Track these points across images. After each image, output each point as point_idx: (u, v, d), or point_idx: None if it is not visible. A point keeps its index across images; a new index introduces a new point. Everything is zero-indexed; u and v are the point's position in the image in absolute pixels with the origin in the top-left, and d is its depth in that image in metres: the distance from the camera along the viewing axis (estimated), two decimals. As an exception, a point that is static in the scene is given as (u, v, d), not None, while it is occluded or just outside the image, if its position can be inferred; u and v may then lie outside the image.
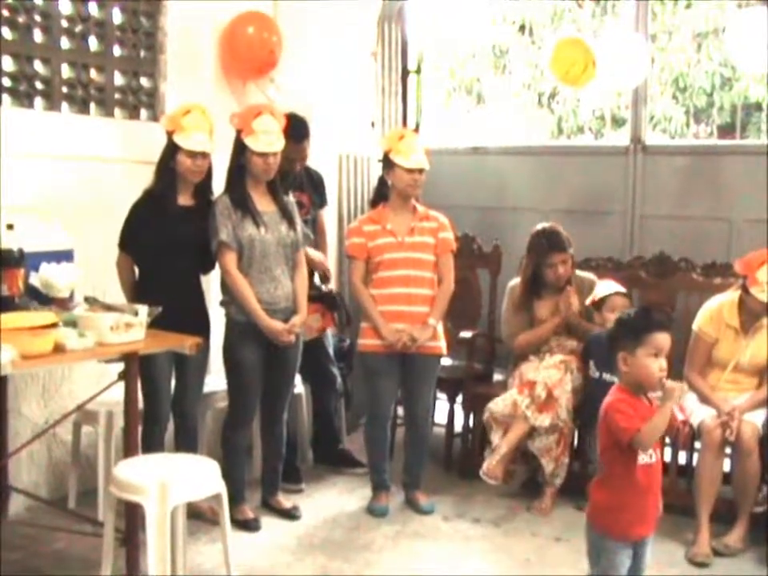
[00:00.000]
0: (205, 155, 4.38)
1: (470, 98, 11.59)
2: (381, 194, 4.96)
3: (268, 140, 4.41)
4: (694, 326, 4.80)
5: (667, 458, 4.71)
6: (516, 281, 5.30)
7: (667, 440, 4.74)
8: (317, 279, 5.23)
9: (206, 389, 4.77)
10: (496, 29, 10.88)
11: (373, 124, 6.58)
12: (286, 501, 4.87)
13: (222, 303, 4.58)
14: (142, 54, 5.33)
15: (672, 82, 11.12)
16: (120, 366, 3.86)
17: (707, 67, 10.79)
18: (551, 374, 4.92)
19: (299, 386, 5.22)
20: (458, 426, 5.58)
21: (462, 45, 10.74)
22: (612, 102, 9.64)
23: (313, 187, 5.41)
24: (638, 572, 3.28)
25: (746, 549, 4.50)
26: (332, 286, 5.46)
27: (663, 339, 3.14)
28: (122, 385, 3.85)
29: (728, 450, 4.59)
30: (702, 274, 5.35)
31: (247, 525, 4.61)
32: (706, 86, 10.84)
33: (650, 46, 6.16)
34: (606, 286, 5.03)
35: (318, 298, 5.12)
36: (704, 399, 4.70)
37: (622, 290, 5.00)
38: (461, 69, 11.34)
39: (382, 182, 4.97)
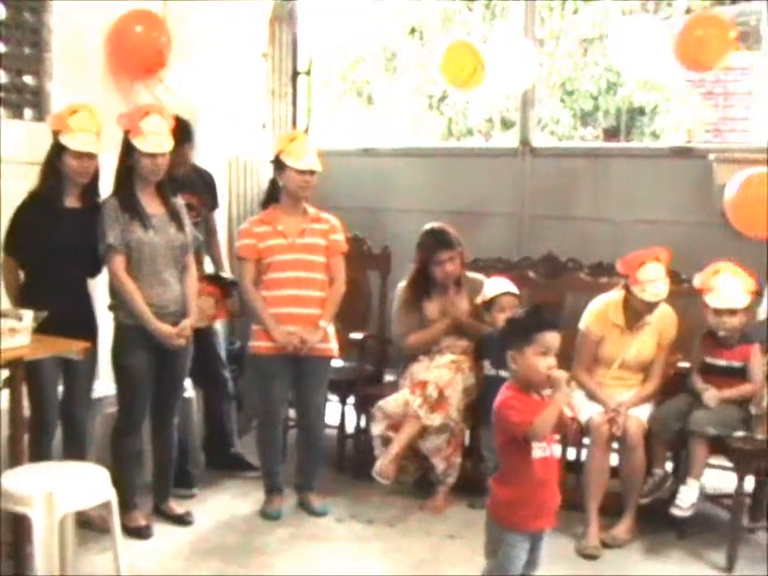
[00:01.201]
0: (92, 156, 4.29)
1: (361, 100, 11.63)
2: (272, 196, 4.95)
3: (156, 141, 4.34)
4: (581, 325, 4.91)
5: (557, 454, 4.81)
6: (406, 281, 5.32)
7: (557, 437, 4.86)
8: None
9: (95, 394, 4.66)
10: (387, 31, 10.94)
11: (264, 125, 6.54)
12: (178, 506, 4.80)
13: (110, 307, 4.50)
14: (27, 51, 5.18)
15: (560, 86, 11.34)
16: (4, 373, 3.76)
17: (593, 72, 11.05)
18: (442, 373, 4.96)
19: (189, 390, 5.15)
20: (350, 427, 5.59)
21: (353, 47, 10.78)
22: (501, 104, 9.79)
23: (204, 189, 5.36)
24: (533, 566, 3.36)
25: (633, 540, 4.63)
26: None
27: (552, 338, 3.21)
28: (6, 392, 3.75)
29: (615, 445, 4.70)
30: (589, 273, 5.47)
31: (139, 532, 4.53)
32: (592, 90, 11.09)
33: (538, 51, 6.26)
34: (495, 286, 5.09)
35: (214, 278, 5.09)
36: (591, 396, 4.81)
37: (512, 289, 5.07)
38: (351, 71, 11.38)
39: (273, 183, 4.96)
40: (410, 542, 4.58)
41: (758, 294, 4.84)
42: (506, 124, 10.21)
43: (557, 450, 3.34)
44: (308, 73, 7.00)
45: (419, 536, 4.67)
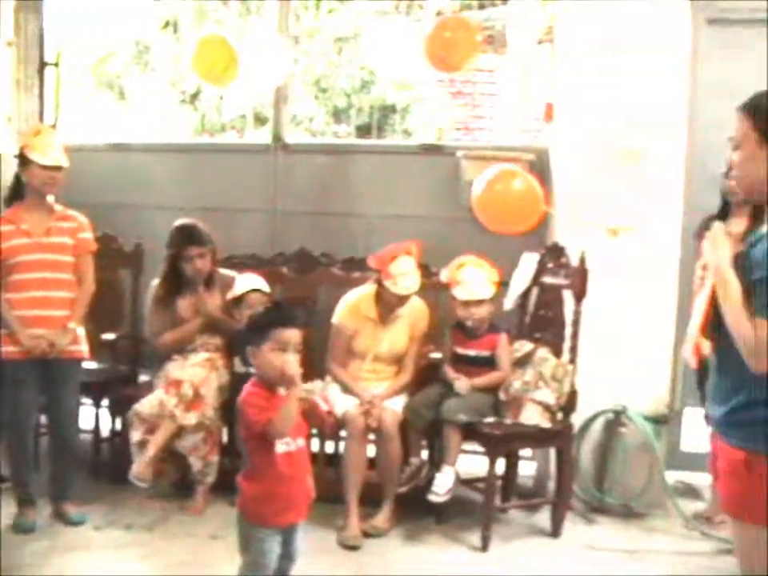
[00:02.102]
0: None
1: (113, 94, 11.32)
2: (16, 193, 4.73)
3: None
4: (334, 319, 4.98)
5: (315, 448, 4.85)
6: (158, 279, 5.23)
7: (314, 431, 4.90)
8: None
9: None
10: (139, 24, 10.70)
11: (9, 119, 6.25)
12: None
13: None
14: None
15: (314, 83, 11.42)
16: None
17: (348, 70, 11.19)
18: (197, 372, 4.91)
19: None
20: (105, 431, 5.43)
21: (104, 39, 10.47)
22: (255, 101, 9.75)
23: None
24: (289, 560, 3.37)
25: (393, 527, 4.74)
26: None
27: (290, 334, 3.20)
28: None
29: (371, 437, 4.78)
30: (342, 268, 5.55)
31: None
32: (346, 88, 11.24)
33: (292, 48, 6.27)
34: (245, 283, 5.08)
35: None
36: (346, 389, 4.88)
37: (261, 286, 5.07)
38: (103, 64, 11.05)
39: (17, 180, 4.73)
40: (171, 545, 4.50)
41: (502, 285, 5.06)
42: (260, 120, 10.19)
43: (303, 443, 3.35)
44: (56, 65, 6.70)
45: (180, 538, 4.60)
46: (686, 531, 4.88)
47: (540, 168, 5.59)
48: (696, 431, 5.08)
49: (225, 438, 5.10)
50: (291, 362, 3.16)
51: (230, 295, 5.07)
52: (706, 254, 2.67)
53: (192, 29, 10.44)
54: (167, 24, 11.07)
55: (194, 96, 11.09)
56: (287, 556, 3.35)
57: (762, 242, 2.56)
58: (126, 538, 4.59)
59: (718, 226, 2.71)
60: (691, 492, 5.23)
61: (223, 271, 5.30)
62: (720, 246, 2.63)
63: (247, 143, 7.18)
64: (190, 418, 4.79)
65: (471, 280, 4.80)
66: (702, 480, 5.15)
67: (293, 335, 3.21)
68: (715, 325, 2.64)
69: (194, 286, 5.15)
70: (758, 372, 2.50)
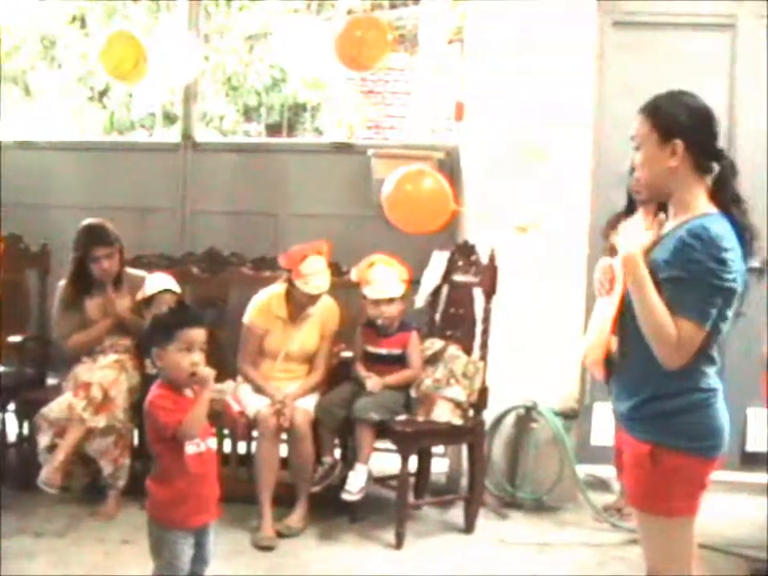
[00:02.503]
0: None
1: (18, 90, 11.09)
2: None
3: None
4: (245, 319, 4.94)
5: (227, 448, 4.82)
6: (66, 280, 5.14)
7: (226, 431, 4.88)
8: None
9: None
10: (46, 19, 10.51)
11: None
12: None
13: None
14: None
15: (225, 81, 11.36)
16: None
17: (259, 68, 11.15)
18: (106, 374, 4.83)
19: None
20: (13, 436, 5.31)
21: (9, 33, 10.25)
22: (165, 98, 9.66)
23: None
24: (203, 562, 3.34)
25: (307, 527, 4.72)
26: None
27: (196, 334, 3.19)
28: None
29: (284, 436, 4.76)
30: (252, 267, 5.51)
31: None
32: (257, 86, 11.20)
33: (202, 45, 6.21)
34: (155, 283, 5.02)
35: None
36: (258, 389, 4.86)
37: (171, 286, 5.01)
38: (7, 59, 10.81)
39: None
40: (82, 552, 4.41)
41: (413, 284, 5.09)
42: (170, 119, 10.09)
43: (213, 443, 3.33)
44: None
45: (91, 544, 4.51)
46: (597, 523, 4.97)
47: (450, 166, 5.65)
48: (606, 425, 5.15)
49: (136, 441, 5.03)
50: (201, 363, 3.15)
51: (139, 295, 5.01)
52: (620, 247, 2.70)
53: (100, 24, 10.29)
54: (74, 19, 10.89)
55: (103, 93, 10.94)
56: (200, 558, 3.32)
57: (667, 241, 2.62)
58: (36, 546, 4.48)
59: (638, 215, 2.77)
60: (601, 485, 5.32)
61: (132, 271, 5.23)
62: (632, 244, 2.65)
63: (156, 142, 7.09)
64: (99, 421, 4.71)
65: (381, 279, 4.82)
66: (612, 473, 5.22)
67: (198, 335, 3.19)
68: (625, 320, 2.69)
69: (103, 286, 5.07)
70: (669, 368, 2.56)
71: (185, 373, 3.16)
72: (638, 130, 2.69)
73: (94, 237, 5.01)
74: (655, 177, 2.67)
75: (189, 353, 3.16)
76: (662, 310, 2.53)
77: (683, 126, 2.63)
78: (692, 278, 2.51)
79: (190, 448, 3.17)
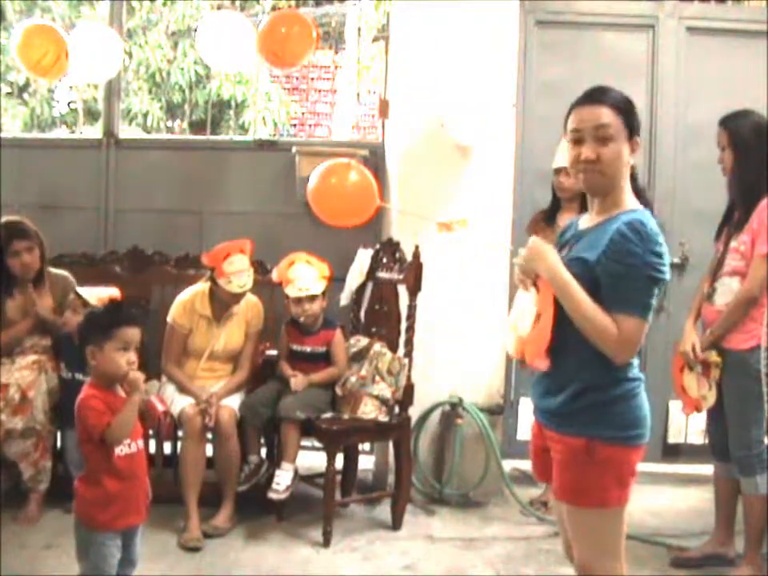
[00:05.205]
0: None
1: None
2: None
3: None
4: (168, 318, 4.90)
5: (152, 449, 4.77)
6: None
7: (150, 432, 4.82)
8: None
9: None
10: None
11: None
12: None
13: None
14: None
15: (149, 78, 11.24)
16: None
17: (183, 65, 11.06)
18: (24, 375, 4.72)
19: None
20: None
21: None
22: (87, 95, 9.52)
23: None
24: (130, 564, 3.33)
25: (234, 527, 4.71)
26: None
27: (132, 333, 3.19)
28: None
29: (209, 436, 4.74)
30: (176, 266, 5.48)
31: None
32: (181, 82, 11.10)
33: (125, 41, 6.12)
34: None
35: None
36: (183, 389, 4.82)
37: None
38: None
39: None
40: (4, 558, 4.27)
41: (338, 281, 5.09)
42: (92, 115, 9.95)
43: (142, 444, 3.30)
44: None
45: (13, 550, 4.41)
46: (523, 517, 5.03)
47: (374, 163, 5.66)
48: (531, 420, 5.22)
49: (58, 443, 4.96)
50: (133, 365, 3.14)
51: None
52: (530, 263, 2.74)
53: (18, 17, 10.09)
54: (-7, 11, 10.68)
55: (23, 89, 10.74)
56: (127, 560, 3.31)
57: (592, 236, 2.66)
58: (-46, 554, 4.40)
59: (533, 240, 2.78)
60: (527, 479, 5.36)
61: (55, 271, 5.13)
62: (545, 255, 2.70)
63: (77, 138, 6.95)
64: (17, 423, 4.61)
65: (301, 277, 4.81)
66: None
67: (135, 334, 3.21)
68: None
69: (23, 284, 4.96)
70: (618, 363, 2.62)
71: (121, 371, 3.16)
72: (611, 124, 2.66)
73: (11, 232, 4.89)
74: (618, 172, 2.70)
75: (125, 352, 3.16)
76: (597, 313, 2.58)
77: (640, 123, 2.74)
78: (631, 272, 2.55)
79: (121, 449, 3.17)
